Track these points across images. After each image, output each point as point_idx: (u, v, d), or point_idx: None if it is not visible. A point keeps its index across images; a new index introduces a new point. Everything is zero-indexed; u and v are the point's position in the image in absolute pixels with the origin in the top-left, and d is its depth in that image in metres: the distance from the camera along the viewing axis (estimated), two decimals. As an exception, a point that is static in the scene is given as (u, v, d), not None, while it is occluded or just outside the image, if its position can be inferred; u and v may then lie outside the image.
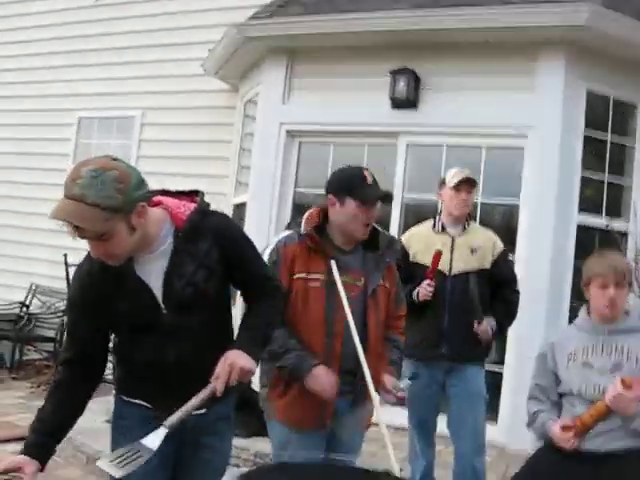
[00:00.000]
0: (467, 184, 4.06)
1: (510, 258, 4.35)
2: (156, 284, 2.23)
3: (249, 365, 2.19)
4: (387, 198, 2.96)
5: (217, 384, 2.16)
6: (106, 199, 1.98)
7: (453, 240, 4.10)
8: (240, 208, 6.94)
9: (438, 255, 3.94)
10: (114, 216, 2.01)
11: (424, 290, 3.91)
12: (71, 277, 2.36)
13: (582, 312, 3.19)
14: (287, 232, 2.98)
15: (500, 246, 4.16)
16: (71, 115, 8.95)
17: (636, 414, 2.81)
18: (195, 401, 2.21)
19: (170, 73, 8.10)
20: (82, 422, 2.33)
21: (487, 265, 4.07)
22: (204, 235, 2.27)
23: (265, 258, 2.80)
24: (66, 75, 8.98)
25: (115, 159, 2.09)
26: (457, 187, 4.05)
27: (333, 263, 2.87)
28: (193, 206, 2.30)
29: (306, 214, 3.02)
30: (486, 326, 3.95)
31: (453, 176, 4.10)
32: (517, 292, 4.18)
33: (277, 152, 6.55)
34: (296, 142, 6.65)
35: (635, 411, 2.80)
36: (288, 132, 6.57)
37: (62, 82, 8.99)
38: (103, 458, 2.11)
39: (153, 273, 2.23)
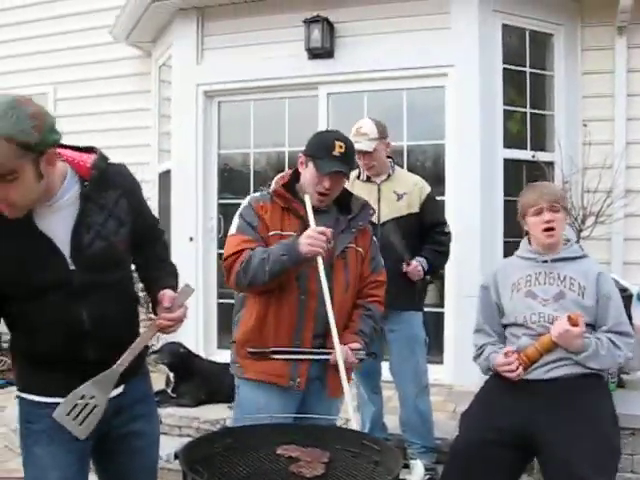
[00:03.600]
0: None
1: (437, 200, 4.32)
2: (62, 238, 2.06)
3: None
4: (339, 174, 2.79)
5: (164, 319, 2.16)
6: (20, 133, 1.83)
7: (379, 188, 4.07)
8: (165, 176, 6.77)
9: None
10: (25, 155, 1.85)
11: None
12: None
13: (523, 243, 3.19)
14: (258, 193, 2.92)
15: (427, 189, 4.16)
16: (-20, 97, 8.55)
17: (579, 348, 2.83)
18: (141, 340, 2.17)
19: (78, 44, 7.75)
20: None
21: (415, 210, 4.06)
22: (112, 183, 2.18)
23: (237, 217, 2.81)
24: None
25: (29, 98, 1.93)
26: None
27: (307, 198, 2.77)
28: (94, 156, 2.17)
29: (278, 175, 2.98)
30: (415, 265, 3.94)
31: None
32: (447, 233, 4.19)
33: (196, 115, 6.37)
34: (215, 102, 6.48)
35: (578, 346, 2.82)
36: (205, 93, 6.39)
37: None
38: (59, 410, 2.00)
39: (58, 226, 2.06)
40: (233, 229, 2.84)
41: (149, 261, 2.40)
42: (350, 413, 2.57)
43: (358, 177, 4.17)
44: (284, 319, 2.76)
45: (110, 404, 2.19)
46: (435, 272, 4.20)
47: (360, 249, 2.93)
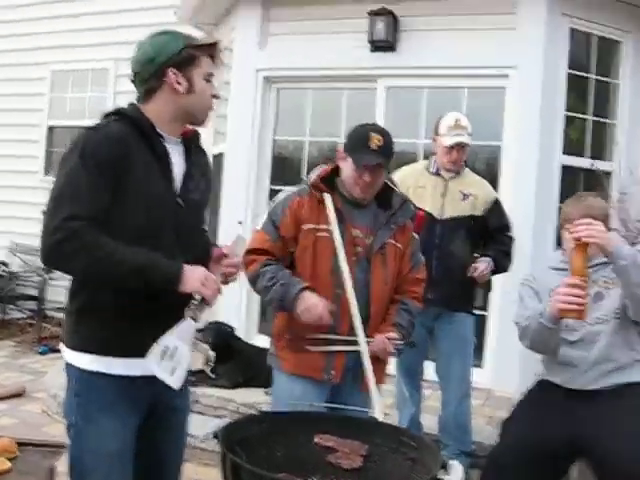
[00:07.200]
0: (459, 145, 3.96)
1: (502, 205, 4.20)
2: (176, 177, 2.20)
3: None
4: (377, 166, 2.79)
5: (226, 265, 2.26)
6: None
7: (446, 184, 4.02)
8: (219, 158, 6.80)
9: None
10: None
11: None
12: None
13: (556, 254, 3.13)
14: (296, 188, 2.96)
15: (494, 194, 4.13)
16: (43, 69, 8.73)
17: (613, 244, 2.67)
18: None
19: (142, 22, 7.79)
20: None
21: (478, 213, 4.01)
22: (203, 151, 2.37)
23: (266, 214, 2.90)
24: (35, 28, 8.73)
25: None
26: (450, 147, 3.96)
27: (327, 198, 2.81)
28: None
29: (318, 167, 2.99)
30: (483, 268, 3.90)
31: (448, 131, 3.96)
32: (511, 238, 4.13)
33: (254, 99, 6.39)
34: (274, 89, 6.49)
35: (610, 241, 2.66)
36: (265, 78, 6.40)
37: (32, 35, 8.74)
38: (151, 355, 1.99)
39: (174, 165, 2.20)
40: (259, 225, 2.94)
41: None
42: (375, 407, 2.56)
43: (427, 168, 4.12)
44: None
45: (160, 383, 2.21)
46: (498, 272, 4.11)
47: (399, 245, 2.93)
